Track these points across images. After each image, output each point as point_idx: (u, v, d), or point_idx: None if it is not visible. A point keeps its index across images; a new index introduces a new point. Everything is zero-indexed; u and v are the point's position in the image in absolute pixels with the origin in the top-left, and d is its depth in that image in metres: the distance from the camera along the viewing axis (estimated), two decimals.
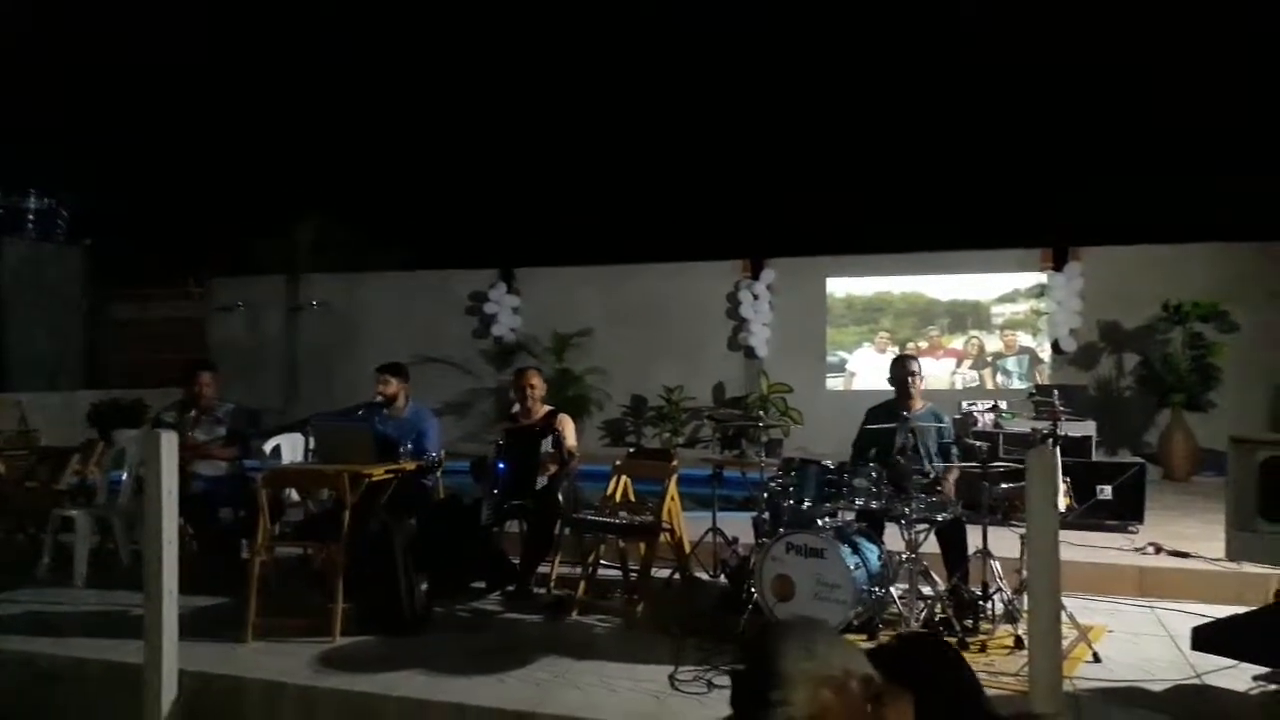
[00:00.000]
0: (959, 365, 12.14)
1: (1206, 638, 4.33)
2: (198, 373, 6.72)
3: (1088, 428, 8.40)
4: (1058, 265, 11.74)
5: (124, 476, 6.79)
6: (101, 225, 16.16)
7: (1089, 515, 6.99)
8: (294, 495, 6.39)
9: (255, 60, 17.53)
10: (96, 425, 11.24)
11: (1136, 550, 6.36)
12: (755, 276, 12.70)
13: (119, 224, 16.22)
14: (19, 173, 15.68)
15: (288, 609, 5.20)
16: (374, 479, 5.49)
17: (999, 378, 12.03)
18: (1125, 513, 7.02)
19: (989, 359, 12.09)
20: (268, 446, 6.86)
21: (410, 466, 5.93)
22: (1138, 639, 5.01)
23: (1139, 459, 8.71)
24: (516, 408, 6.62)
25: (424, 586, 5.37)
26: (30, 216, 15.76)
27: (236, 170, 16.60)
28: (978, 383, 11.97)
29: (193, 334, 14.51)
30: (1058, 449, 5.27)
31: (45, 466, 7.74)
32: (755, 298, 12.57)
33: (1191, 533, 6.71)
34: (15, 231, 15.42)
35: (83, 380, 14.85)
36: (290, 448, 6.81)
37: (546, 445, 6.12)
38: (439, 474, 6.43)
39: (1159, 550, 6.29)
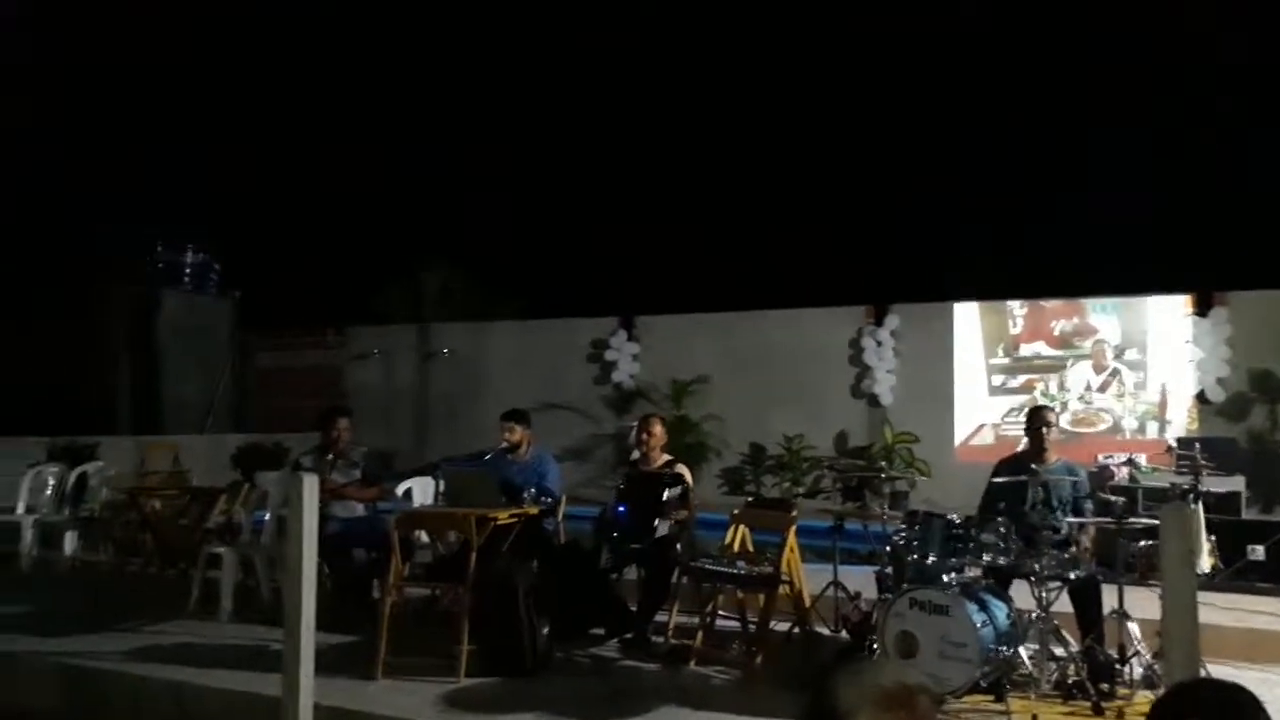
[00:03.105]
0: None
1: None
2: (335, 418, 7.05)
3: (1236, 483, 7.91)
4: (1201, 311, 11.19)
5: (266, 517, 7.15)
6: (251, 277, 17.20)
7: (1239, 577, 6.58)
8: (424, 537, 6.60)
9: (386, 122, 18.48)
10: (240, 467, 11.85)
11: None
12: (879, 322, 12.51)
13: (266, 276, 17.22)
14: (179, 228, 16.90)
15: (416, 648, 5.37)
16: (499, 522, 5.63)
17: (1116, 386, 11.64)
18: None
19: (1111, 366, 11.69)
20: (400, 489, 7.12)
21: (534, 511, 6.07)
22: None
23: None
24: (636, 454, 6.71)
25: (545, 630, 5.45)
26: (187, 269, 16.90)
27: (374, 224, 17.44)
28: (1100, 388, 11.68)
29: (331, 380, 15.17)
30: (1199, 504, 5.02)
31: (196, 506, 8.19)
32: (879, 344, 12.39)
33: None
34: (173, 283, 16.55)
35: (230, 424, 15.71)
36: (421, 490, 7.04)
37: (672, 494, 6.15)
38: (560, 519, 6.55)
39: None
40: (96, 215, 16.30)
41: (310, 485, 4.45)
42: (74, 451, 10.53)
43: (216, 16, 17.51)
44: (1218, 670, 4.55)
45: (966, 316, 12.39)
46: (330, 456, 6.93)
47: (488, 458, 6.58)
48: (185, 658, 5.58)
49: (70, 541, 8.51)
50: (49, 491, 8.85)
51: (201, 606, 6.70)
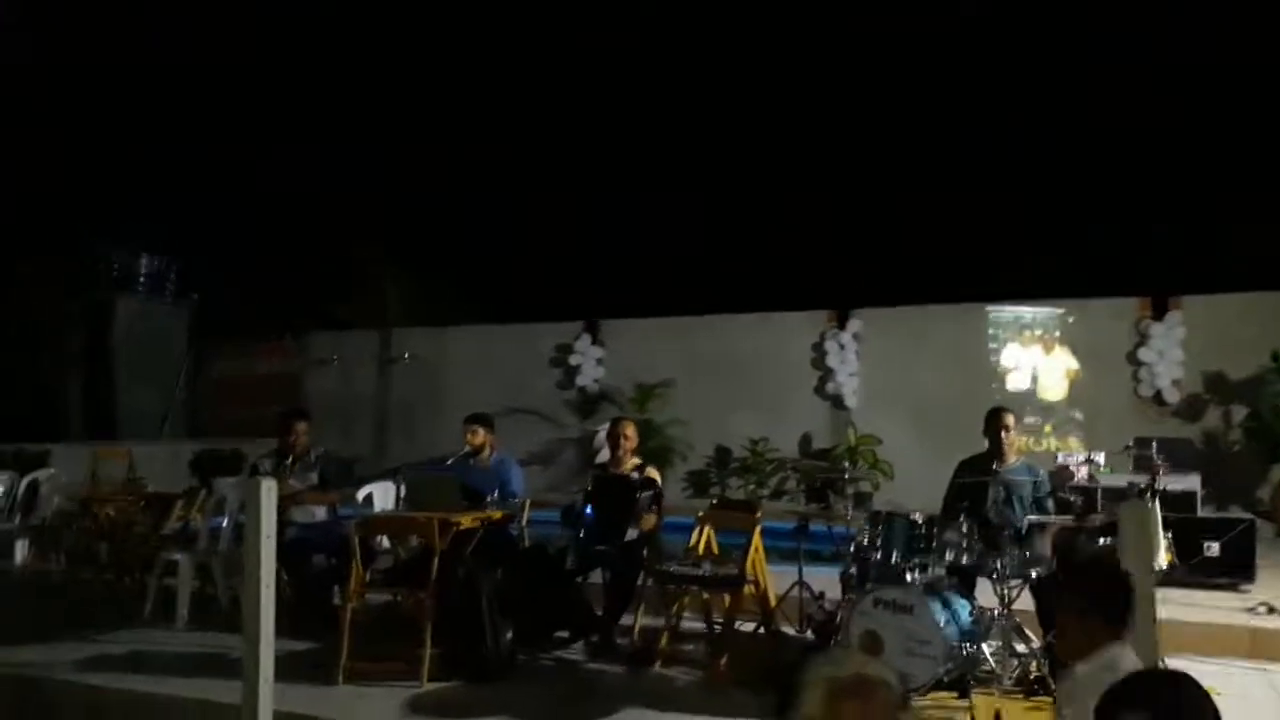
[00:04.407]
0: None
1: None
2: (292, 421, 6.95)
3: (1192, 482, 8.05)
4: (1157, 315, 11.38)
5: (224, 523, 7.03)
6: (208, 282, 16.93)
7: (1195, 573, 6.68)
8: (385, 542, 6.53)
9: (350, 122, 18.29)
10: (197, 474, 11.66)
11: (1248, 610, 6.06)
12: (841, 326, 12.59)
13: (224, 281, 16.94)
14: (133, 231, 16.58)
15: (377, 654, 5.30)
16: (462, 526, 5.58)
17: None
18: (1235, 571, 6.69)
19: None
20: (360, 494, 7.04)
21: (497, 515, 6.02)
22: (1249, 703, 4.76)
23: (1249, 515, 8.30)
24: (606, 457, 6.68)
25: (509, 634, 5.41)
26: (142, 274, 16.60)
27: (332, 229, 17.21)
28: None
29: (289, 387, 14.97)
30: (1156, 503, 5.10)
31: (151, 512, 8.04)
32: (841, 347, 12.46)
33: None
34: (128, 288, 16.25)
35: (186, 431, 15.45)
36: (382, 495, 6.98)
37: (645, 497, 6.12)
38: (525, 523, 6.51)
39: (1272, 610, 5.98)
40: (51, 219, 15.96)
41: (268, 489, 4.37)
42: (24, 459, 10.30)
43: (172, 9, 17.22)
44: (1175, 663, 4.60)
45: (929, 320, 12.48)
46: (288, 461, 6.83)
47: (450, 463, 6.53)
48: (141, 667, 5.47)
49: (21, 550, 8.33)
50: None
51: (157, 615, 6.57)
